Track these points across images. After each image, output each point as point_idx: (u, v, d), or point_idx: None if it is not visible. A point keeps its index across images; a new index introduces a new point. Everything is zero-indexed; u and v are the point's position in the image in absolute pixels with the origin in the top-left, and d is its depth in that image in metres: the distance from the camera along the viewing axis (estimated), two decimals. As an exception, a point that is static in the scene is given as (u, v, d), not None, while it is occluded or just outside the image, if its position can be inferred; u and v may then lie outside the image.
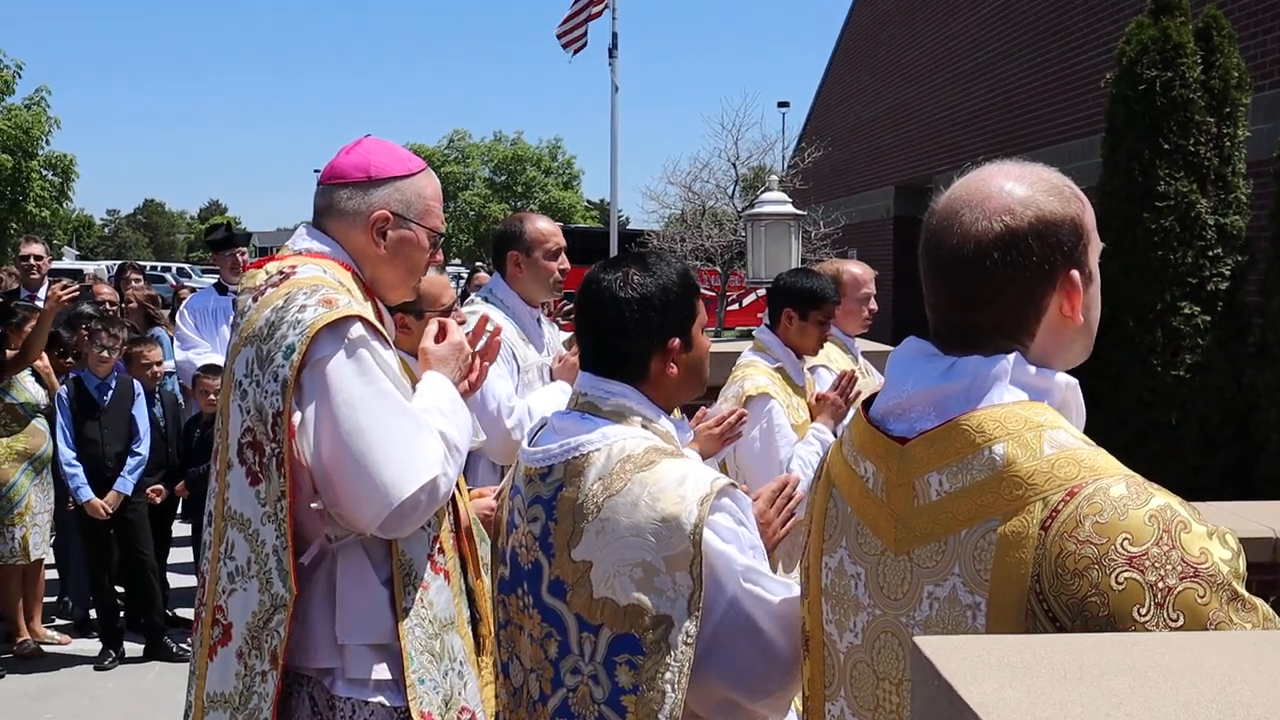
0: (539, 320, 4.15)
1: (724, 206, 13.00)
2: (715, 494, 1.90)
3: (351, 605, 2.37)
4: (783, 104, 39.29)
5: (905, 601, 1.40)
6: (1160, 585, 1.20)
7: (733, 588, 1.89)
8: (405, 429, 2.31)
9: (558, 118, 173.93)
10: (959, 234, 1.43)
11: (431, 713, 2.36)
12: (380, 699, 2.37)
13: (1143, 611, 1.20)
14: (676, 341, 2.07)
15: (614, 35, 17.56)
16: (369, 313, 2.39)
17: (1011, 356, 1.40)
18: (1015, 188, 1.43)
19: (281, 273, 2.44)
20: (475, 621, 2.55)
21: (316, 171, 2.79)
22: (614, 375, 2.06)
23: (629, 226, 27.16)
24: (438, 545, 2.48)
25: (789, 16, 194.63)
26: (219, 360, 6.37)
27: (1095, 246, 1.48)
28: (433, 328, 2.69)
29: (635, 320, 2.04)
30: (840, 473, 1.56)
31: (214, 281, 7.66)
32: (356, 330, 2.32)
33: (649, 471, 1.91)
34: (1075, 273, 1.43)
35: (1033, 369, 1.41)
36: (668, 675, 1.83)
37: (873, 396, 1.55)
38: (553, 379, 3.99)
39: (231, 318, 2.54)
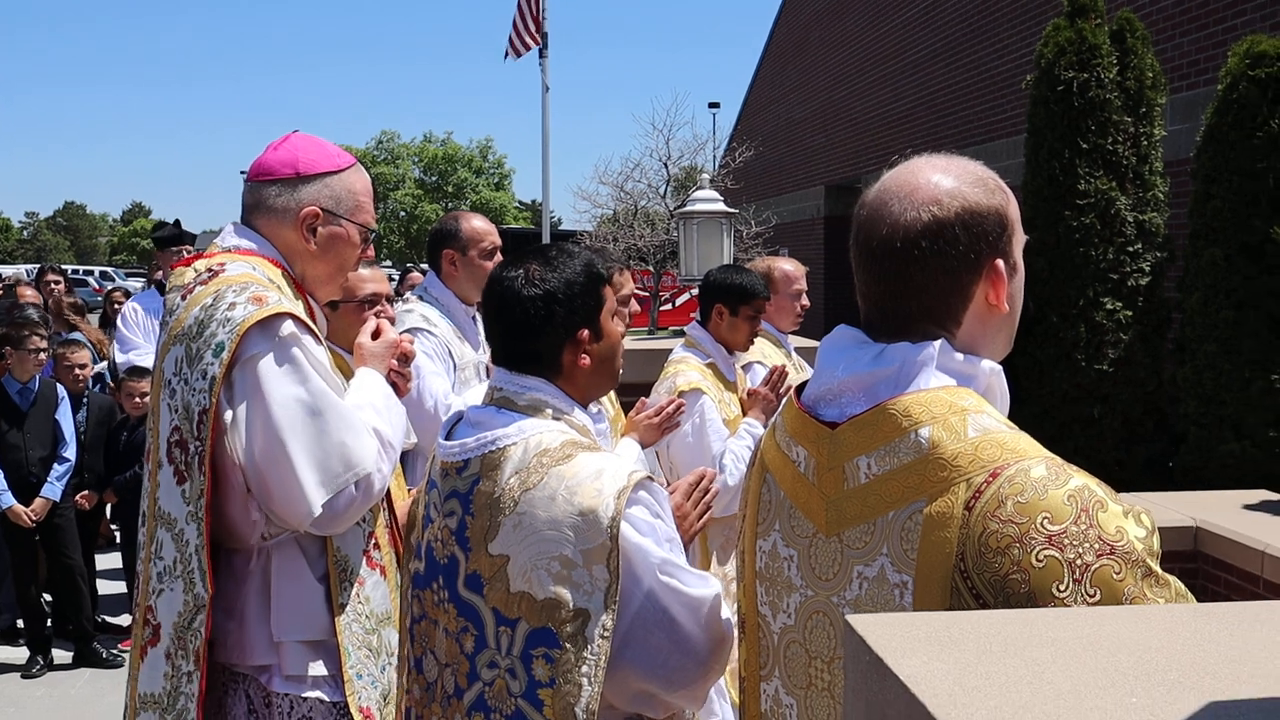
0: (474, 318, 4.15)
1: (656, 206, 13.03)
2: (632, 487, 1.90)
3: (287, 602, 2.35)
4: (713, 104, 39.57)
5: (836, 582, 1.43)
6: (1078, 562, 1.24)
7: (649, 580, 1.90)
8: (337, 426, 2.30)
9: (488, 118, 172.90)
10: (888, 224, 1.46)
11: (370, 707, 2.36)
12: (318, 694, 2.36)
13: (1061, 588, 1.24)
14: (586, 332, 2.06)
15: (544, 35, 17.51)
16: (300, 310, 2.38)
17: (938, 343, 1.44)
18: (942, 179, 1.47)
19: (210, 270, 2.42)
20: None
21: (243, 173, 2.77)
22: (527, 371, 2.06)
23: (561, 227, 27.09)
24: (373, 541, 2.47)
25: (719, 17, 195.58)
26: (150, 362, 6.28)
27: (1019, 238, 1.52)
28: (370, 324, 2.68)
29: (541, 317, 2.03)
30: (773, 458, 1.59)
31: (155, 281, 7.54)
32: (288, 327, 2.31)
33: (566, 465, 1.91)
34: (1000, 262, 1.47)
35: (960, 355, 1.45)
36: (584, 668, 1.83)
37: (805, 383, 1.58)
38: (489, 376, 3.99)
39: (161, 316, 2.51)
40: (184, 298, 2.39)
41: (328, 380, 2.34)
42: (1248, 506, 4.86)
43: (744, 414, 4.21)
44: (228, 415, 2.28)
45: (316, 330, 2.40)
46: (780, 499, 1.55)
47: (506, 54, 17.27)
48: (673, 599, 1.91)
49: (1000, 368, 1.49)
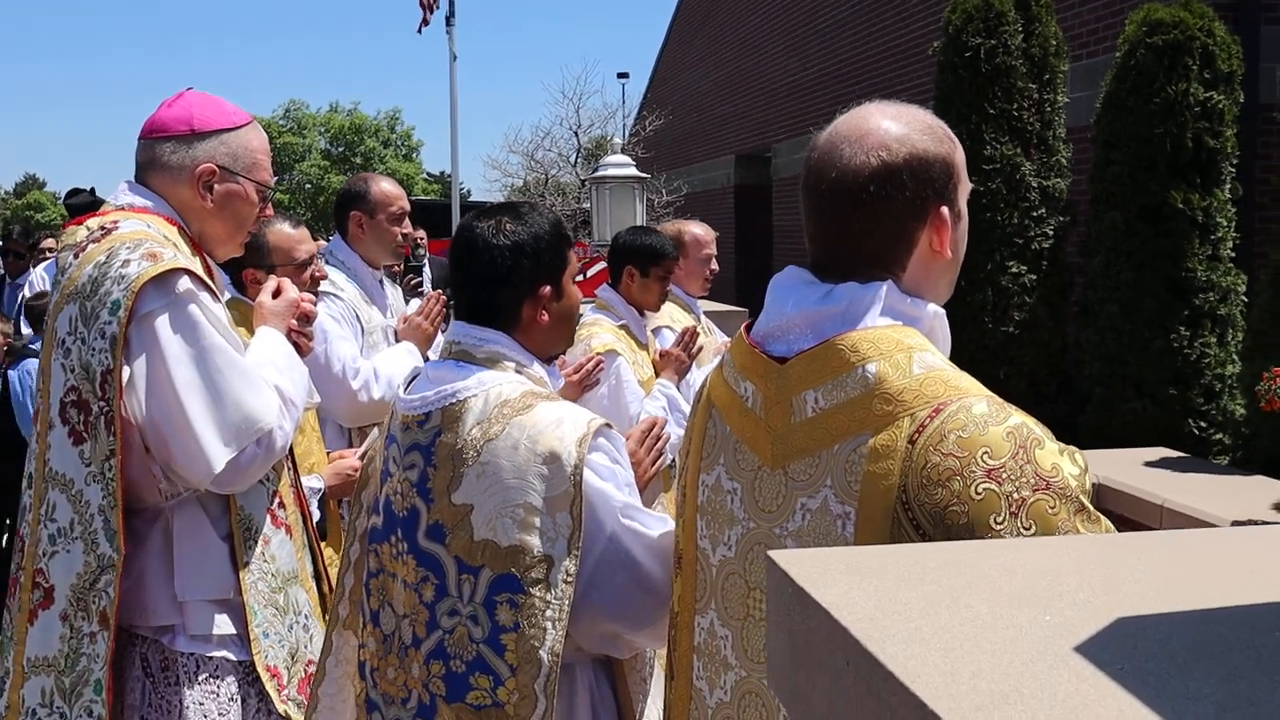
0: (381, 282, 4.10)
1: (566, 176, 12.98)
2: (592, 434, 1.95)
3: (190, 561, 2.32)
4: (622, 75, 39.14)
5: (779, 514, 1.45)
6: (1015, 496, 1.28)
7: (611, 524, 1.95)
8: (237, 383, 2.27)
9: (396, 88, 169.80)
10: (838, 168, 1.48)
11: (277, 666, 2.33)
12: (224, 653, 2.34)
13: (998, 520, 1.27)
14: (548, 289, 2.10)
15: (451, 4, 17.28)
16: (197, 266, 2.34)
17: (886, 284, 1.46)
18: (892, 125, 1.50)
19: (103, 228, 2.37)
20: (319, 579, 2.53)
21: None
22: (487, 323, 2.09)
23: (471, 198, 26.84)
24: (278, 500, 2.45)
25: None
26: None
27: (965, 186, 1.56)
28: (270, 283, 2.67)
29: (507, 267, 2.07)
30: (720, 394, 1.60)
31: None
32: (184, 284, 2.27)
33: (526, 415, 1.95)
34: (945, 209, 1.50)
35: (906, 298, 1.48)
36: (549, 613, 1.87)
37: (754, 320, 1.60)
38: (398, 340, 3.95)
39: (54, 275, 2.45)
40: (76, 256, 2.34)
41: (226, 337, 2.31)
42: (1147, 463, 5.02)
43: (656, 375, 4.23)
44: (125, 373, 2.23)
45: (214, 287, 2.36)
46: (726, 434, 1.57)
47: (420, 27, 17.03)
48: (634, 541, 1.96)
49: (943, 311, 1.54)
